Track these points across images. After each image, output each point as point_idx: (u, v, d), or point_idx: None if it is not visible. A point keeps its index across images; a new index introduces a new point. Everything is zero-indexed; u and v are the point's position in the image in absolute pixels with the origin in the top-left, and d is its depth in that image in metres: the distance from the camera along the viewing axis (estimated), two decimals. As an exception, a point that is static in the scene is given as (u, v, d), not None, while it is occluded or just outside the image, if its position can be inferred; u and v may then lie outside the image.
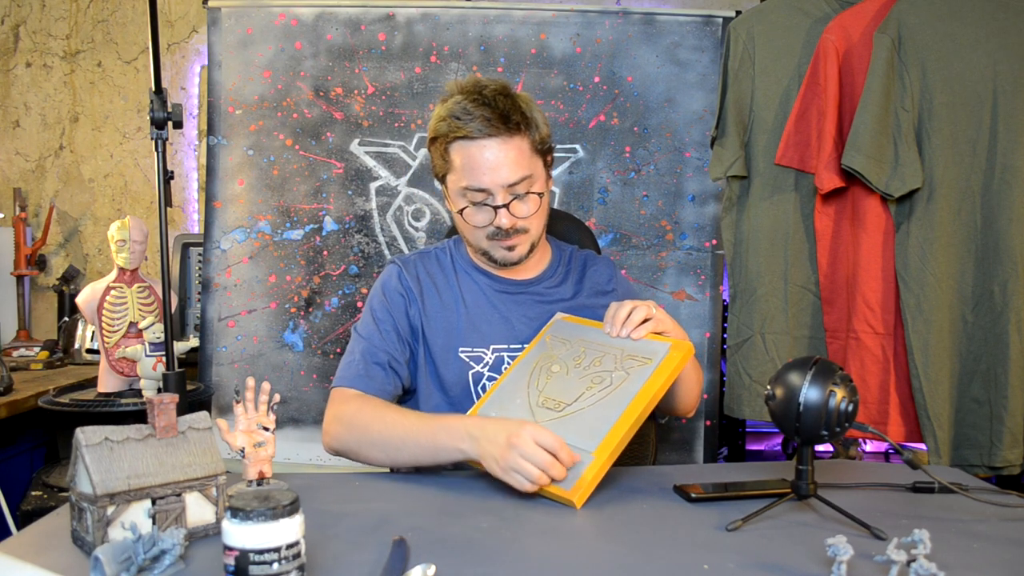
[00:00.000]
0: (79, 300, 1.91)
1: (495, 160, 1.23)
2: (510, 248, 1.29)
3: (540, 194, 1.28)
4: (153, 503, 0.85)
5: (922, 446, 1.64)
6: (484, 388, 1.29)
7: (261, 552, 0.69)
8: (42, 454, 2.35)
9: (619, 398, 1.12)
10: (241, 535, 0.69)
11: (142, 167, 2.88)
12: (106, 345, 1.87)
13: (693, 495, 1.03)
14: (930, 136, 1.61)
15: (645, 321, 1.19)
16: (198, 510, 0.88)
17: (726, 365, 1.94)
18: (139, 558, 0.76)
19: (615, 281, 1.43)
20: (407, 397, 1.34)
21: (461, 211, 1.28)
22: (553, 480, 1.02)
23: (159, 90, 1.27)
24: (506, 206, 1.24)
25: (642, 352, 1.18)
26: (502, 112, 1.22)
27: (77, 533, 0.86)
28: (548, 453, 1.01)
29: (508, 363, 1.30)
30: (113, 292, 1.87)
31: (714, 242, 2.22)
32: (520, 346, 1.31)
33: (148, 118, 1.26)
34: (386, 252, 2.25)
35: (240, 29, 2.23)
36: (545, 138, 1.30)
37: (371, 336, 1.29)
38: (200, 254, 2.40)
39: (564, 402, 1.14)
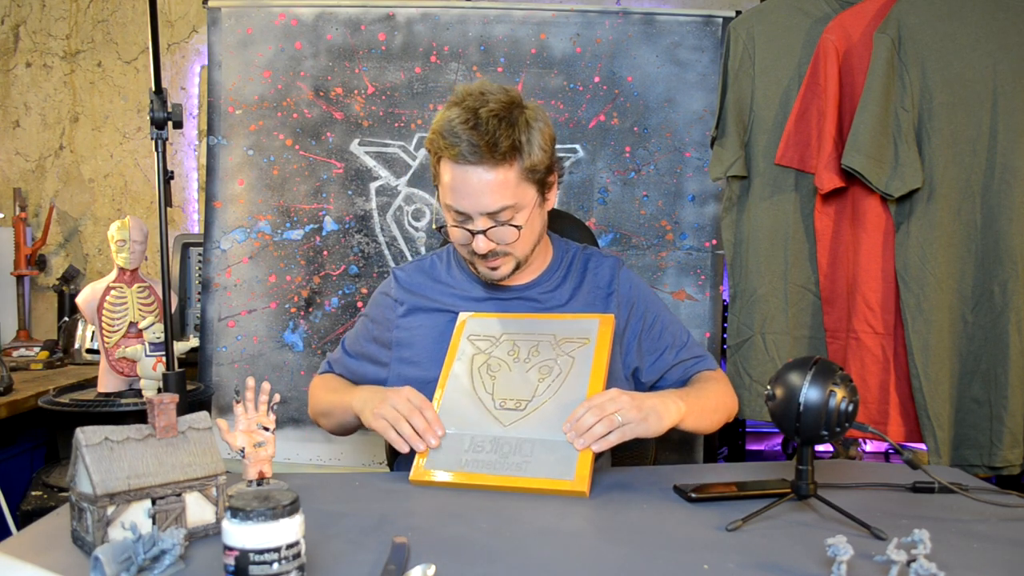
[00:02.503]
0: (79, 300, 1.91)
1: (476, 187, 1.19)
2: (492, 268, 1.29)
3: (519, 227, 1.23)
4: (153, 503, 0.85)
5: (922, 446, 1.64)
6: None
7: (261, 552, 0.69)
8: (42, 454, 2.35)
9: (576, 382, 1.16)
10: (241, 535, 0.69)
11: (142, 167, 2.88)
12: (106, 345, 1.87)
13: (693, 495, 1.03)
14: (930, 136, 1.61)
15: (607, 435, 1.08)
16: (198, 510, 0.88)
17: (726, 365, 1.94)
18: (139, 558, 0.76)
19: (617, 283, 1.36)
20: None
21: (445, 226, 1.29)
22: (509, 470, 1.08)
23: (159, 90, 1.27)
24: (483, 232, 1.22)
25: (575, 333, 1.23)
26: (490, 140, 1.17)
27: (77, 533, 0.86)
28: (414, 407, 1.14)
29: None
30: (113, 292, 1.87)
31: (714, 242, 2.22)
32: None
33: (148, 118, 1.26)
34: (386, 252, 2.25)
35: (240, 29, 2.23)
36: (537, 165, 1.22)
37: (350, 345, 1.43)
38: (200, 254, 2.40)
39: (524, 399, 1.16)
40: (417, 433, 1.12)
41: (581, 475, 1.05)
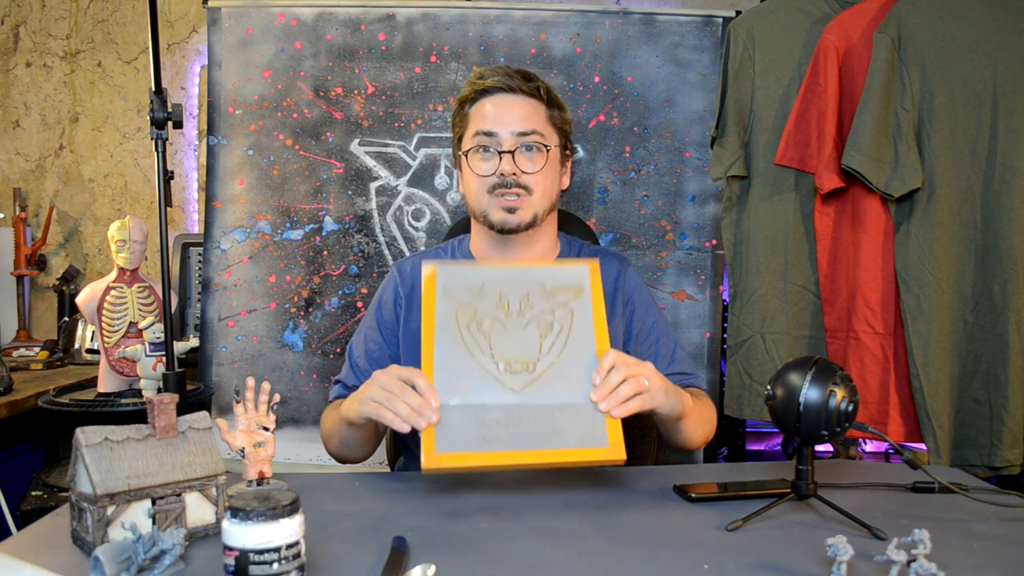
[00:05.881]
0: (79, 300, 1.91)
1: (508, 108, 1.28)
2: (510, 210, 1.27)
3: (548, 147, 1.29)
4: (153, 503, 0.85)
5: (922, 446, 1.64)
6: None
7: (261, 552, 0.69)
8: (42, 454, 2.35)
9: (581, 338, 1.08)
10: (241, 535, 0.69)
11: (142, 167, 2.88)
12: (106, 345, 1.87)
13: (693, 495, 1.03)
14: (930, 136, 1.61)
15: (630, 400, 1.04)
16: (198, 510, 0.88)
17: (726, 365, 1.94)
18: (139, 558, 0.76)
19: (623, 280, 1.36)
20: None
21: (468, 156, 1.29)
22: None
23: (159, 90, 1.27)
24: (511, 152, 1.26)
25: (566, 281, 1.13)
26: (524, 74, 1.30)
27: (77, 533, 0.86)
28: (403, 383, 1.02)
29: None
30: (113, 292, 1.87)
31: (714, 242, 2.22)
32: None
33: (148, 118, 1.26)
34: (386, 252, 2.24)
35: (240, 29, 2.23)
36: (565, 118, 1.34)
37: (359, 358, 1.34)
38: (200, 254, 2.40)
39: (530, 360, 1.06)
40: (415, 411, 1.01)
41: (616, 441, 0.99)
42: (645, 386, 1.04)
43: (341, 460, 1.30)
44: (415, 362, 1.19)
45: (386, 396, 1.03)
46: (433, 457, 0.98)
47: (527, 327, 1.09)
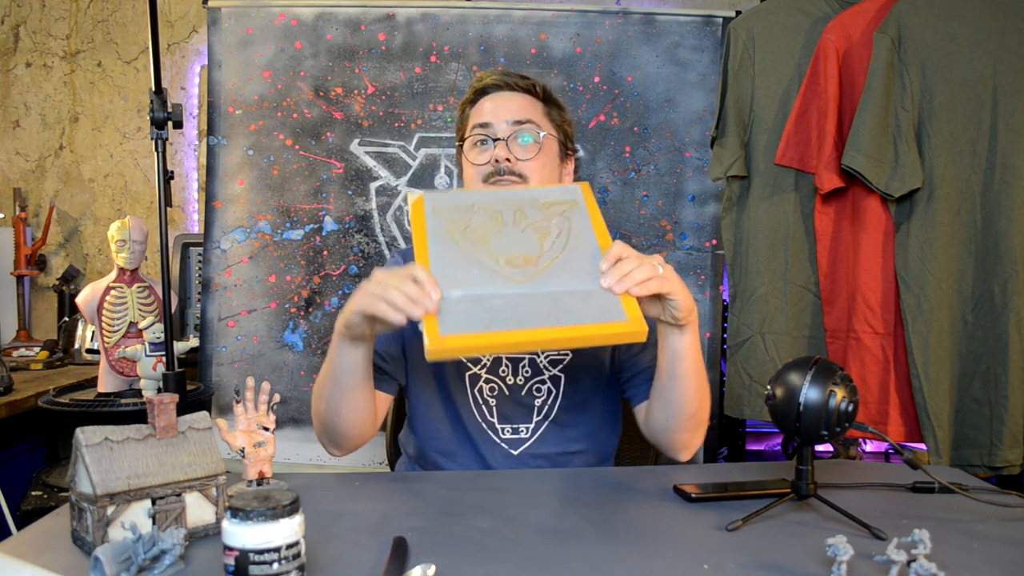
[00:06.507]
0: (79, 300, 1.91)
1: (504, 102, 1.33)
2: None
3: (542, 134, 1.31)
4: (153, 503, 0.85)
5: (922, 446, 1.64)
6: (480, 389, 1.28)
7: (261, 552, 0.69)
8: (42, 454, 2.35)
9: (583, 237, 1.02)
10: (241, 535, 0.69)
11: (142, 167, 2.88)
12: (106, 345, 1.87)
13: (693, 495, 1.03)
14: (930, 136, 1.61)
15: (648, 280, 0.98)
16: (198, 510, 0.88)
17: (726, 365, 1.93)
18: (139, 558, 0.76)
19: None
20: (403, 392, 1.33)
21: (466, 150, 1.32)
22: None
23: (159, 90, 1.27)
24: (505, 140, 1.28)
25: (560, 196, 1.09)
26: (520, 74, 1.36)
27: (77, 533, 0.86)
28: (402, 276, 0.95)
29: (505, 359, 1.27)
30: (113, 292, 1.87)
31: (714, 242, 2.22)
32: None
33: (148, 118, 1.26)
34: (386, 252, 2.25)
35: (240, 29, 2.23)
36: (564, 116, 1.37)
37: None
38: (200, 254, 2.40)
39: (532, 256, 0.99)
40: (412, 300, 0.94)
41: (634, 315, 0.91)
42: (659, 271, 0.99)
43: (330, 433, 1.19)
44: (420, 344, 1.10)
45: (381, 287, 0.96)
46: (438, 340, 0.90)
47: (524, 232, 1.03)
